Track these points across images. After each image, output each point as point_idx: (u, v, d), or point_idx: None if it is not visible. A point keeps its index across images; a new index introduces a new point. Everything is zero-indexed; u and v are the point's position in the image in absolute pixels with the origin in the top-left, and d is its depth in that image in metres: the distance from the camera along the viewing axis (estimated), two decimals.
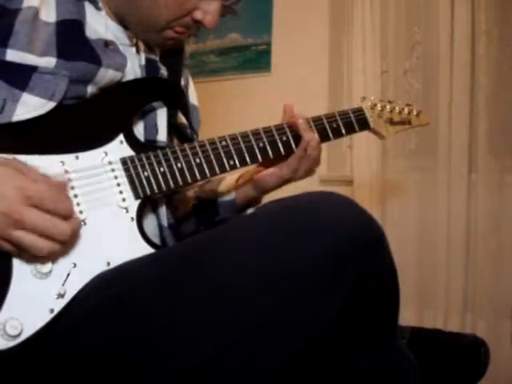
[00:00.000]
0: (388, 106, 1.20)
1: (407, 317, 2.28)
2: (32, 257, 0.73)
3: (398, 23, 2.50)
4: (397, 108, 1.21)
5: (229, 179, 1.11)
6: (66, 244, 0.74)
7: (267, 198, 0.99)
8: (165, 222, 0.97)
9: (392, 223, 2.42)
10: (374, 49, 2.47)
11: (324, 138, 1.07)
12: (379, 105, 1.18)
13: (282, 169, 1.03)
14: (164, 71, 1.00)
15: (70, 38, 0.84)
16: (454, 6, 2.31)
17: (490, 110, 2.25)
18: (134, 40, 0.96)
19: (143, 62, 0.98)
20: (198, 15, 0.90)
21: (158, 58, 1.01)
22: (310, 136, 1.03)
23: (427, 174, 2.39)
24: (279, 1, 2.80)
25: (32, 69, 0.79)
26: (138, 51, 0.97)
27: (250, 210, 1.09)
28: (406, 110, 1.22)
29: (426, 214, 2.38)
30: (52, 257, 0.74)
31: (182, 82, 1.08)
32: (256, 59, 2.86)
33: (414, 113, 1.23)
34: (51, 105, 0.81)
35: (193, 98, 1.13)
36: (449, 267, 2.29)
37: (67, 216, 0.72)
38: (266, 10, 2.81)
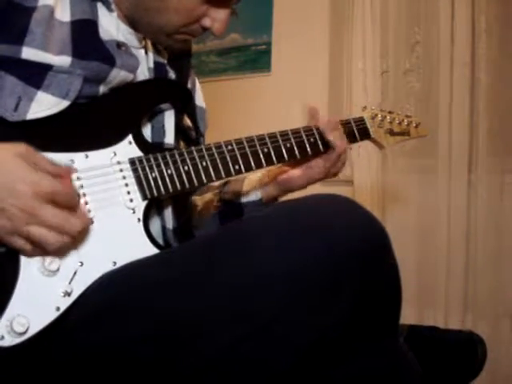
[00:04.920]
0: (388, 117, 1.22)
1: (407, 317, 2.27)
2: (40, 254, 0.73)
3: (398, 23, 2.50)
4: (396, 119, 1.23)
5: (251, 179, 1.11)
6: (75, 239, 0.74)
7: None
8: (169, 225, 0.97)
9: (392, 223, 2.41)
10: (374, 49, 2.46)
11: (326, 146, 1.08)
12: (380, 115, 1.20)
13: (313, 170, 1.03)
14: (172, 74, 1.01)
15: (85, 38, 0.84)
16: (454, 5, 2.31)
17: (490, 110, 2.25)
18: (143, 42, 0.97)
19: (152, 65, 0.98)
20: (206, 22, 0.90)
21: (166, 61, 1.01)
22: (343, 140, 1.05)
23: (427, 174, 2.39)
24: (279, 1, 2.80)
25: (47, 67, 0.80)
26: (146, 53, 0.98)
27: None
28: (406, 121, 1.24)
29: (426, 214, 2.38)
30: (60, 252, 0.75)
31: (189, 85, 1.09)
32: (256, 59, 2.85)
33: (413, 124, 1.25)
34: (65, 103, 0.81)
35: (200, 100, 1.13)
36: (449, 267, 2.29)
37: (76, 209, 0.72)
38: (266, 10, 2.80)
